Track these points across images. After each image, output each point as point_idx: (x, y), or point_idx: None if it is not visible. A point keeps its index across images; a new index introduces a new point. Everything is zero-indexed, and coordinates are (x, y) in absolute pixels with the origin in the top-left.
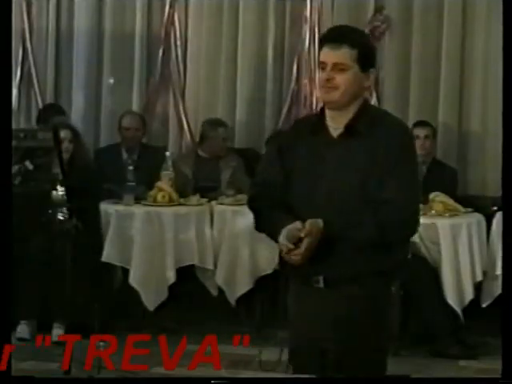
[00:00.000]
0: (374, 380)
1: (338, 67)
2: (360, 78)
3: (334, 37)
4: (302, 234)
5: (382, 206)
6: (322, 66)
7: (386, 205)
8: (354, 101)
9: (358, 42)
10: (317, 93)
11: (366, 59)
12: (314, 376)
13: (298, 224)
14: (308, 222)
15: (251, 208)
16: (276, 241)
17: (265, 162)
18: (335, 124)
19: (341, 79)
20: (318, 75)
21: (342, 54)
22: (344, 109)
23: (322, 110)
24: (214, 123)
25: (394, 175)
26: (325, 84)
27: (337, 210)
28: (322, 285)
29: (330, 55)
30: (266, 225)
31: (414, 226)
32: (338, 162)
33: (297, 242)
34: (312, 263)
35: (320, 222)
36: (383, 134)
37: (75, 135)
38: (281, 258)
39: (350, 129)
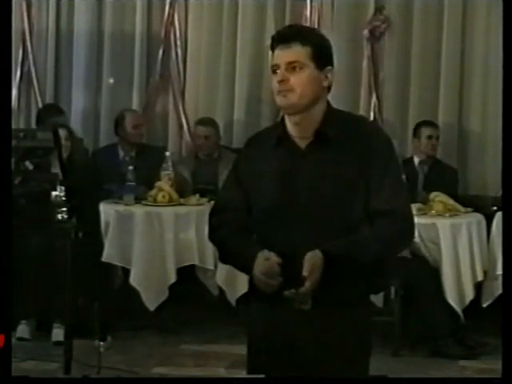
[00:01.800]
0: (371, 380)
1: (292, 66)
2: (317, 77)
3: (283, 36)
4: (305, 273)
5: (379, 219)
6: (275, 68)
7: (384, 217)
8: (315, 104)
9: (310, 39)
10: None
11: (321, 56)
12: (313, 376)
13: (265, 253)
14: (308, 258)
15: (212, 240)
16: (247, 273)
17: (223, 187)
18: (300, 133)
19: (296, 79)
20: (272, 81)
21: (293, 52)
22: (306, 114)
23: (282, 119)
24: (197, 122)
25: (383, 184)
26: (280, 87)
27: (323, 230)
28: (309, 306)
29: (281, 55)
30: (232, 256)
31: (413, 233)
32: (312, 176)
33: (272, 275)
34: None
35: (318, 253)
36: (359, 140)
37: (70, 133)
38: (250, 279)
39: (320, 137)
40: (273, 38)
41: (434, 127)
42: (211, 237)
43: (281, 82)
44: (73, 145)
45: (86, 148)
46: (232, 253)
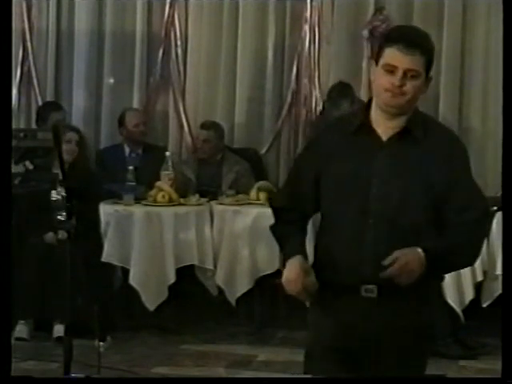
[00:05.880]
0: (381, 380)
1: (410, 74)
2: (424, 85)
3: (407, 40)
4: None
5: (470, 226)
6: (390, 69)
7: (474, 225)
8: (413, 106)
9: (428, 48)
10: (377, 94)
11: (431, 66)
12: (315, 377)
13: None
14: (407, 254)
15: (273, 232)
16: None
17: (296, 169)
18: (385, 126)
19: (411, 86)
20: (382, 77)
21: (416, 61)
22: (401, 113)
23: (367, 108)
24: (199, 126)
25: (465, 189)
26: (393, 89)
27: (389, 223)
28: (375, 294)
29: (402, 60)
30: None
31: None
32: (388, 168)
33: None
34: (362, 270)
35: (420, 251)
36: (441, 142)
37: (81, 138)
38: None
39: (405, 133)
40: (392, 36)
41: None
42: (272, 229)
43: (397, 86)
44: (80, 150)
45: (91, 150)
46: (276, 238)
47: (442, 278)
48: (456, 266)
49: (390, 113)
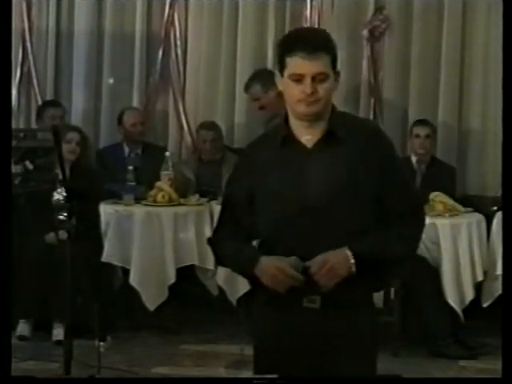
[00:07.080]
0: (369, 380)
1: (319, 77)
2: (334, 83)
3: (307, 45)
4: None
5: (404, 219)
6: (297, 78)
7: (408, 218)
8: (329, 108)
9: (331, 47)
10: (291, 106)
11: (336, 62)
12: (313, 377)
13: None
14: (334, 255)
15: (219, 255)
16: (247, 275)
17: (229, 193)
18: (307, 133)
19: (323, 90)
20: (291, 87)
21: (322, 63)
22: (320, 118)
23: (286, 121)
24: (200, 127)
25: (400, 184)
26: (306, 98)
27: (330, 227)
28: (318, 305)
29: (308, 67)
30: (229, 260)
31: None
32: (320, 174)
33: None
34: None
35: (346, 251)
36: (365, 140)
37: (83, 138)
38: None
39: (329, 136)
40: (290, 44)
41: (423, 126)
42: (212, 239)
43: (309, 94)
44: (82, 150)
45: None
46: (229, 256)
47: (377, 289)
48: (390, 260)
49: (309, 121)
